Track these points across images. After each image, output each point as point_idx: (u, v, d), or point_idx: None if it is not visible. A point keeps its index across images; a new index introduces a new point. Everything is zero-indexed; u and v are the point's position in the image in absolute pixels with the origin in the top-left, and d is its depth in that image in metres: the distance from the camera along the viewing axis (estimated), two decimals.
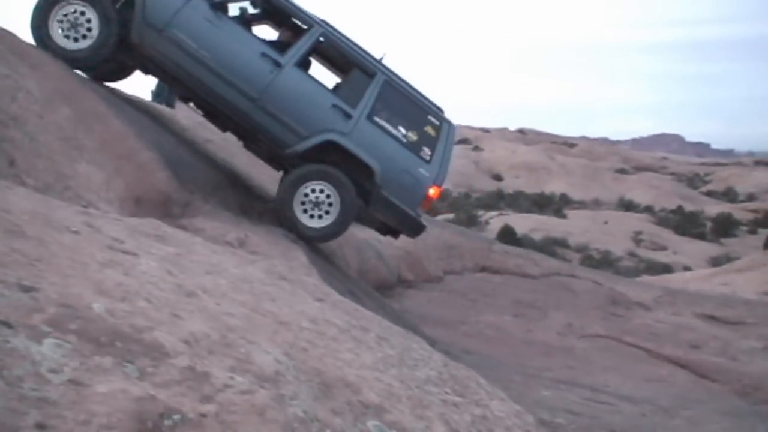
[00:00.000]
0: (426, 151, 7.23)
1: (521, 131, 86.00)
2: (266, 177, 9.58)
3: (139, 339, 1.86)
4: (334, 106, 7.04)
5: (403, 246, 11.23)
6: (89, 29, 6.67)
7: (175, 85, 7.40)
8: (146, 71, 7.54)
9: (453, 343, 8.97)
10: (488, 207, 47.49)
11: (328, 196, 7.04)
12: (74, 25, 6.63)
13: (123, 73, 7.94)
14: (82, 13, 6.64)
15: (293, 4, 7.31)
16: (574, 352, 10.13)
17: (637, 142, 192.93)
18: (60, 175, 4.98)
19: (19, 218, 2.43)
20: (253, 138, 7.43)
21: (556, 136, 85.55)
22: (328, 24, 7.28)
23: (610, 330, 11.29)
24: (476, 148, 70.50)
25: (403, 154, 7.14)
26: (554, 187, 57.75)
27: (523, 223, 37.79)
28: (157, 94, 10.76)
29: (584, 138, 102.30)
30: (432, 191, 7.17)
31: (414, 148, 7.19)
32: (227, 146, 10.06)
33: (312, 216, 7.11)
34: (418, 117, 7.32)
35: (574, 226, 40.29)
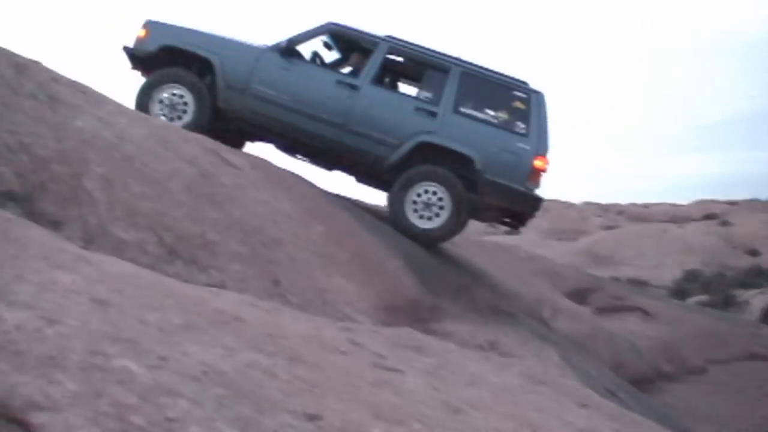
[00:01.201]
0: (520, 126, 7.30)
1: None
2: (507, 274, 9.52)
3: None
4: (417, 108, 7.32)
5: (659, 336, 10.57)
6: (185, 106, 7.20)
7: (271, 137, 7.70)
8: (244, 136, 7.91)
9: None
10: (746, 285, 43.65)
11: (437, 195, 7.16)
12: (172, 106, 7.16)
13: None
14: (180, 96, 7.21)
15: (357, 30, 7.65)
16: None
17: None
18: (318, 290, 5.25)
19: (296, 343, 2.55)
20: (352, 163, 7.58)
21: None
22: (393, 37, 7.59)
23: None
24: (725, 223, 65.54)
25: (497, 135, 7.27)
26: None
27: None
28: None
29: None
30: (538, 162, 7.17)
31: (507, 126, 7.31)
32: (467, 245, 10.16)
33: (424, 217, 7.23)
34: (503, 96, 7.43)
35: None
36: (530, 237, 20.49)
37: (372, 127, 7.27)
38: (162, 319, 2.38)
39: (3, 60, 4.71)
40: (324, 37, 7.90)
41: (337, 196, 7.86)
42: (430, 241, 7.33)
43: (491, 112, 7.39)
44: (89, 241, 3.73)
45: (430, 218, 7.25)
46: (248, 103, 7.36)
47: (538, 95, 7.43)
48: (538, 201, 7.31)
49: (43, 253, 2.50)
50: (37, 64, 5.35)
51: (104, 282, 2.48)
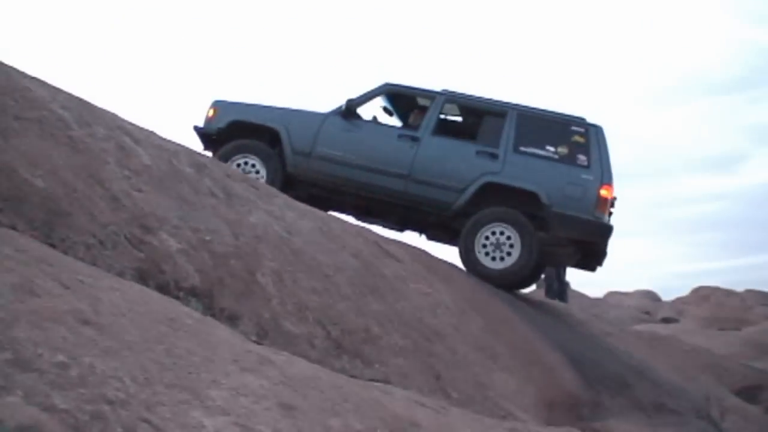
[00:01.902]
0: (582, 158, 7.42)
1: None
2: (670, 368, 9.02)
3: None
4: (479, 152, 7.55)
5: None
6: (257, 175, 7.42)
7: (342, 199, 7.77)
8: (317, 204, 7.87)
9: None
10: None
11: (507, 237, 7.25)
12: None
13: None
14: (252, 165, 7.54)
15: (413, 87, 8.05)
16: None
17: None
18: (479, 385, 5.16)
19: None
20: (421, 214, 7.69)
21: None
22: (448, 90, 7.94)
23: None
24: None
25: (560, 169, 7.41)
26: None
27: None
28: (548, 290, 10.96)
29: None
30: (603, 192, 7.28)
31: (568, 159, 7.44)
32: (623, 336, 9.75)
33: (495, 258, 7.30)
34: (561, 132, 7.58)
35: None
36: (688, 326, 19.40)
37: (436, 175, 7.48)
38: (344, 426, 2.39)
39: (185, 159, 5.05)
40: (383, 102, 8.31)
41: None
42: (503, 282, 7.31)
43: (551, 149, 7.53)
44: (263, 335, 3.84)
45: (502, 258, 7.30)
46: (315, 165, 7.67)
47: (597, 128, 7.59)
48: (608, 229, 7.37)
49: (232, 355, 2.59)
50: (212, 160, 5.70)
51: (288, 385, 2.53)
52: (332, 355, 4.18)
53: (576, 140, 7.52)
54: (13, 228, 3.00)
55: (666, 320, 19.96)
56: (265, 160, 7.66)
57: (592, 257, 7.86)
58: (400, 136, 7.77)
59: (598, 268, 8.19)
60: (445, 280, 6.37)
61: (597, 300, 22.59)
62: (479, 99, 7.93)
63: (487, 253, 7.32)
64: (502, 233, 7.28)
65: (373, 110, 8.41)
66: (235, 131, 7.80)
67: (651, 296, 26.09)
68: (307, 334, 4.17)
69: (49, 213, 3.31)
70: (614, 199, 7.57)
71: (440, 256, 7.24)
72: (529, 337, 6.47)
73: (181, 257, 3.81)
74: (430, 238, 8.33)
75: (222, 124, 7.86)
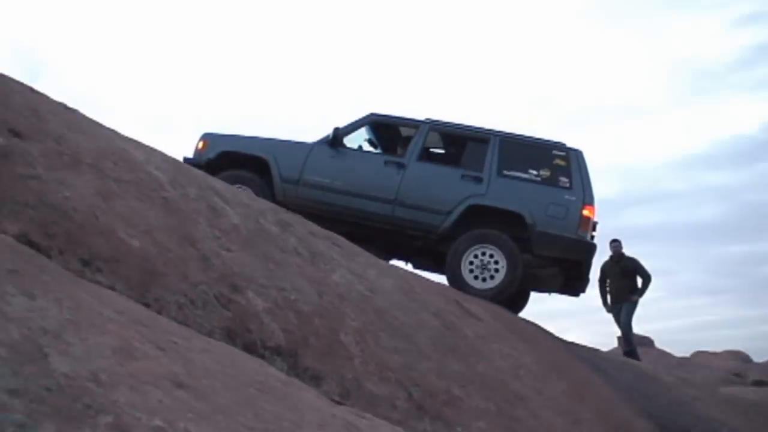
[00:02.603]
0: (564, 180, 7.68)
1: None
2: None
3: None
4: (464, 176, 7.82)
5: None
6: None
7: (327, 225, 7.67)
8: None
9: None
10: None
11: (492, 257, 7.45)
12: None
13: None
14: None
15: (398, 117, 8.37)
16: None
17: None
18: None
19: None
20: (408, 238, 7.86)
21: None
22: (433, 120, 8.25)
23: None
24: None
25: (543, 190, 7.68)
26: None
27: None
28: (627, 352, 10.61)
29: None
30: (585, 212, 7.52)
31: (551, 181, 7.72)
32: (717, 403, 9.35)
33: (480, 278, 7.47)
34: (542, 156, 7.86)
35: None
36: None
37: (422, 198, 7.73)
38: None
39: (270, 217, 5.17)
40: (366, 134, 8.62)
41: (573, 344, 7.64)
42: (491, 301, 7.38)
43: (534, 172, 7.81)
44: (345, 395, 3.85)
45: (487, 279, 7.48)
46: (303, 192, 7.92)
47: (577, 152, 7.88)
48: (592, 247, 7.67)
49: (318, 419, 2.61)
50: (296, 218, 5.81)
51: None
52: (414, 417, 4.15)
53: (557, 163, 7.82)
54: (112, 288, 3.13)
55: (758, 383, 19.03)
56: (254, 189, 7.83)
57: (575, 280, 8.08)
58: (386, 163, 8.08)
59: (582, 295, 8.53)
60: (527, 340, 6.28)
61: (683, 359, 21.82)
62: (462, 126, 8.30)
63: (473, 274, 7.53)
64: (488, 254, 7.51)
65: (358, 140, 8.69)
66: (225, 162, 8.10)
67: (741, 357, 24.98)
68: (389, 395, 4.16)
69: (144, 273, 3.44)
70: (596, 222, 7.85)
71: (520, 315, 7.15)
72: (614, 401, 6.29)
73: (267, 316, 3.88)
74: (417, 266, 8.53)
75: (212, 154, 8.19)
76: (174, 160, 4.80)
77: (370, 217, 7.94)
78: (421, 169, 8.00)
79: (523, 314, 8.02)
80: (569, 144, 8.05)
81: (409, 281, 5.85)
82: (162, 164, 4.43)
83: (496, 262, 7.49)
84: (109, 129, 4.67)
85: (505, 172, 7.81)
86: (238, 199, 4.93)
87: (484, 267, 7.50)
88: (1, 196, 3.20)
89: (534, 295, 8.70)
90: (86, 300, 2.63)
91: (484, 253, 7.53)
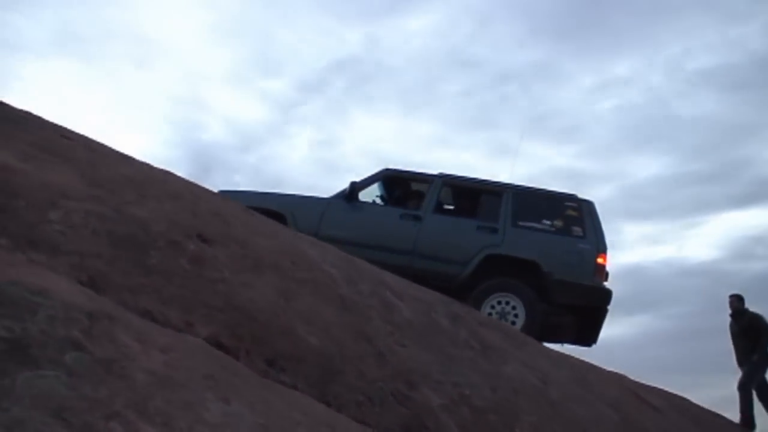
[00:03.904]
0: (577, 230, 7.74)
1: None
2: None
3: None
4: (479, 227, 7.83)
5: None
6: None
7: None
8: None
9: None
10: None
11: (511, 305, 7.35)
12: None
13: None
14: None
15: (412, 172, 8.44)
16: None
17: None
18: None
19: None
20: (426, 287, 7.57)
21: None
22: (446, 174, 8.32)
23: None
24: None
25: (557, 240, 7.70)
26: None
27: None
28: (742, 420, 9.37)
29: None
30: (600, 260, 7.55)
31: (565, 231, 7.76)
32: None
33: None
34: (555, 207, 7.94)
35: None
36: None
37: (440, 249, 7.73)
38: None
39: (441, 309, 5.20)
40: (379, 191, 8.63)
41: None
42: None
43: (548, 222, 7.85)
44: None
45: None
46: None
47: (588, 203, 7.99)
48: (608, 293, 7.59)
49: None
50: (466, 309, 5.80)
51: None
52: None
53: (570, 214, 7.92)
54: (295, 387, 3.23)
55: None
56: None
57: (590, 329, 7.94)
58: (402, 216, 8.11)
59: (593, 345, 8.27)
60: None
61: None
62: (475, 180, 8.40)
63: None
64: (506, 303, 7.46)
65: (372, 195, 8.75)
66: None
67: None
68: None
69: (323, 370, 3.53)
70: (608, 272, 7.80)
71: (700, 403, 6.71)
72: None
73: (443, 413, 3.86)
74: None
75: None
76: (346, 257, 4.95)
77: (388, 269, 8.14)
78: (437, 221, 8.11)
79: (705, 403, 7.45)
80: (580, 195, 8.25)
81: (583, 371, 5.66)
82: (336, 261, 4.59)
83: (514, 308, 7.47)
84: (283, 227, 4.91)
85: (520, 223, 7.91)
86: (408, 292, 5.00)
87: (503, 315, 7.45)
88: (193, 301, 3.42)
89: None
90: (275, 403, 2.73)
91: (501, 302, 7.53)
